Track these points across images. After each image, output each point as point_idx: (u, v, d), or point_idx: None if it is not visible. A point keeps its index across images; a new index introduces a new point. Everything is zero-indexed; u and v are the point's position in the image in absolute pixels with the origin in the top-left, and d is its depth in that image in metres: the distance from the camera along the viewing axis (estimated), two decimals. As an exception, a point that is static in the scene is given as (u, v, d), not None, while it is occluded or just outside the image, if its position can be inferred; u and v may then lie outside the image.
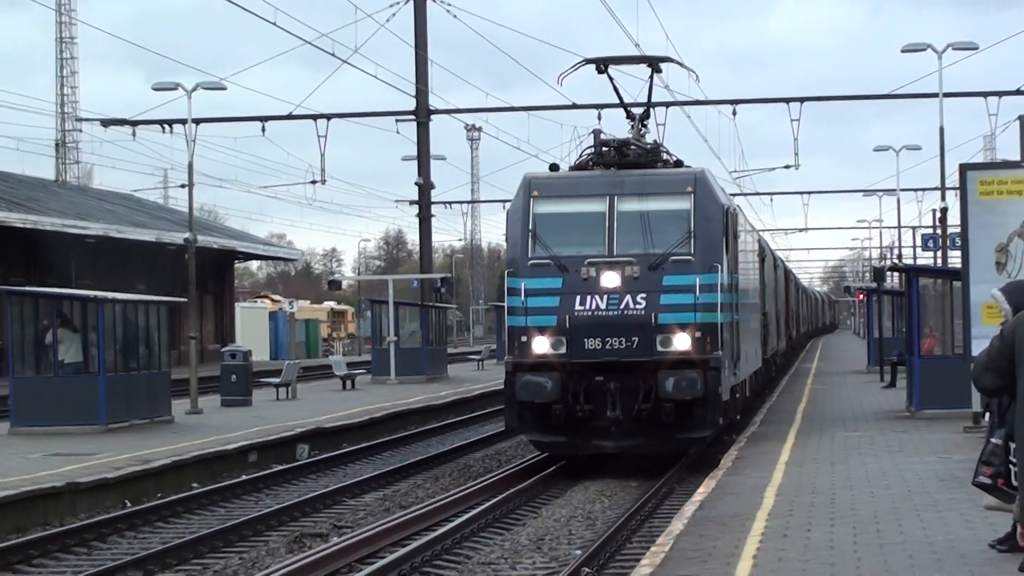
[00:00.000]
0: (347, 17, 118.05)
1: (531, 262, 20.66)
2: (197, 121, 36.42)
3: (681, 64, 25.73)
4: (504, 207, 20.59)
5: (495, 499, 18.61)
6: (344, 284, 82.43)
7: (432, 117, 47.51)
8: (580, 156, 22.10)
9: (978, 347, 19.15)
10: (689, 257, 20.57)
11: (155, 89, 34.47)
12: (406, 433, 29.75)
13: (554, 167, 22.10)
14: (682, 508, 15.20)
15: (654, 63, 23.94)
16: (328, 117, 45.23)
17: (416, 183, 48.20)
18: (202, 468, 22.00)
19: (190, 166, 33.76)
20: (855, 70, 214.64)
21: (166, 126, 44.29)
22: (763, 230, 61.90)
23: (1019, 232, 19.93)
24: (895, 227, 78.89)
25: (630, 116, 23.67)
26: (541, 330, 20.44)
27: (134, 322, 26.76)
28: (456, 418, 33.72)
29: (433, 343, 45.50)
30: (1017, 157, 41.80)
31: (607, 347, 20.29)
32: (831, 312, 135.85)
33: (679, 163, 22.21)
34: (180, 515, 18.75)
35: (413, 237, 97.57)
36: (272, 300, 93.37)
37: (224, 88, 34.64)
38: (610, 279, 20.35)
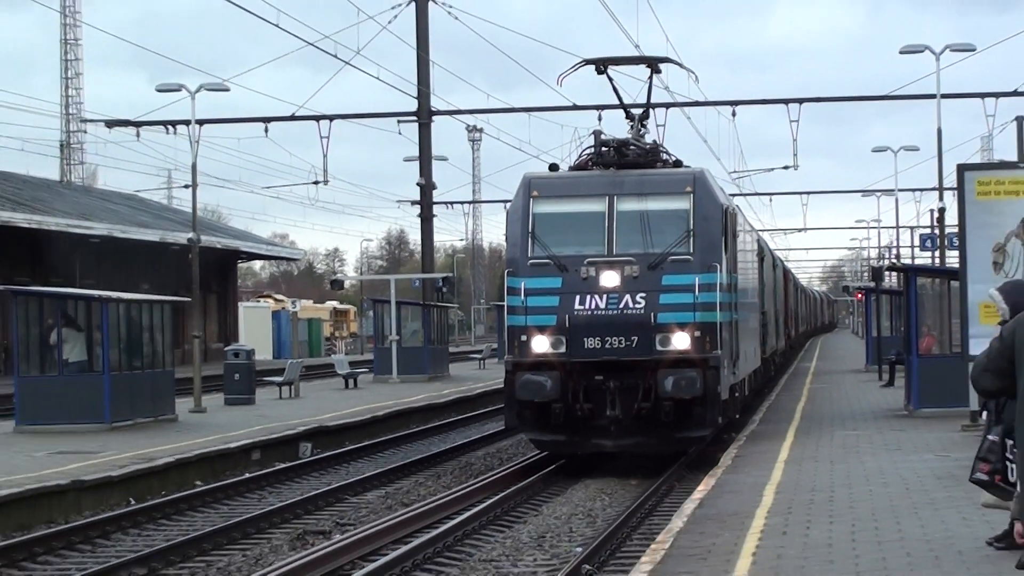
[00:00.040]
0: (349, 19, 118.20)
1: (531, 262, 20.65)
2: (201, 122, 36.50)
3: (680, 65, 25.76)
4: (505, 207, 20.62)
5: (496, 497, 18.64)
6: (346, 284, 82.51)
7: (434, 118, 47.57)
8: (579, 156, 22.10)
9: (976, 346, 19.24)
10: (688, 257, 20.57)
11: (159, 90, 34.53)
12: (408, 431, 29.80)
13: (553, 167, 22.10)
14: (682, 506, 15.22)
15: (653, 63, 23.92)
16: (330, 118, 45.29)
17: (418, 183, 48.27)
18: (205, 466, 22.05)
19: (193, 167, 33.85)
20: (854, 71, 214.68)
21: (170, 127, 44.39)
22: (762, 230, 61.97)
23: (1016, 232, 19.97)
24: (893, 227, 78.82)
25: (629, 116, 23.68)
26: (541, 329, 20.43)
27: (138, 321, 26.81)
28: (457, 416, 33.74)
29: (435, 342, 45.55)
30: (1014, 158, 41.93)
31: (606, 346, 20.29)
32: (830, 311, 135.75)
33: (678, 163, 22.20)
34: (184, 513, 18.79)
35: (415, 237, 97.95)
36: (275, 299, 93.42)
37: (227, 89, 34.68)
38: (609, 279, 20.35)
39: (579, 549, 15.01)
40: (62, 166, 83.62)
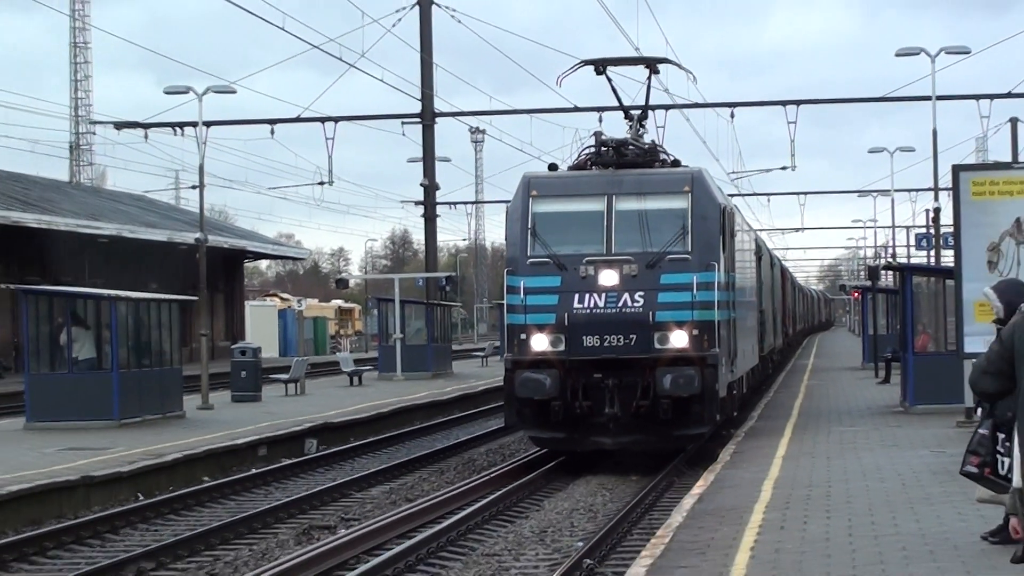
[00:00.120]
0: (354, 22, 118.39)
1: (530, 261, 20.63)
2: (208, 124, 36.68)
3: (679, 65, 25.73)
4: (507, 207, 20.68)
5: (499, 492, 18.71)
6: (351, 283, 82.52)
7: (437, 120, 47.66)
8: (579, 156, 22.08)
9: (971, 344, 19.44)
10: (686, 256, 20.55)
11: (167, 93, 34.73)
12: (412, 428, 29.91)
13: (553, 167, 22.05)
14: (681, 501, 15.29)
15: (651, 64, 23.80)
16: (335, 120, 45.40)
17: (421, 184, 48.38)
18: (213, 462, 22.18)
19: (201, 168, 34.03)
20: (851, 74, 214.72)
21: (178, 129, 44.50)
22: (760, 230, 62.08)
23: (1010, 232, 20.03)
24: (889, 227, 78.97)
25: (628, 117, 23.65)
26: (540, 328, 20.39)
27: (146, 320, 26.92)
28: (460, 413, 33.86)
29: (438, 340, 45.63)
30: (1008, 158, 42.19)
31: (605, 344, 20.26)
32: (827, 310, 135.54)
33: (676, 163, 22.19)
34: (191, 508, 18.91)
35: (419, 237, 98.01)
36: (281, 298, 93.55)
37: (234, 92, 34.77)
38: (608, 277, 20.33)
39: (580, 544, 15.07)
40: (71, 167, 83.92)
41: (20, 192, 55.59)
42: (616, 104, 24.34)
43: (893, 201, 68.90)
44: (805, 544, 11.60)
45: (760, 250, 33.30)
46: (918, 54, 36.90)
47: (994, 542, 10.87)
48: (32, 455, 21.06)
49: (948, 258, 33.41)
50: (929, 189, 43.46)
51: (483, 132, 65.71)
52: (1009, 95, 42.65)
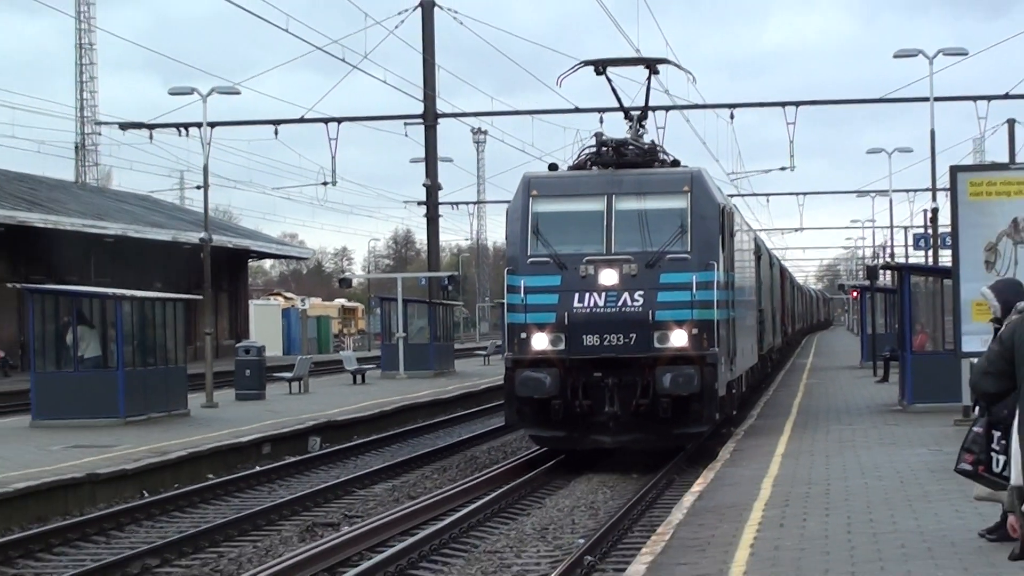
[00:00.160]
0: (357, 24, 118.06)
1: (530, 260, 20.64)
2: (212, 124, 36.74)
3: (678, 66, 25.75)
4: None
5: (500, 490, 18.79)
6: (354, 282, 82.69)
7: (439, 121, 47.75)
8: (579, 156, 22.10)
9: (968, 343, 19.51)
10: (686, 255, 20.57)
11: (172, 93, 34.88)
12: (414, 426, 29.97)
13: (553, 167, 22.06)
14: (682, 499, 15.34)
15: (651, 64, 23.79)
16: (339, 120, 45.50)
17: (424, 184, 48.50)
18: (217, 460, 22.27)
19: (205, 168, 34.18)
20: (849, 75, 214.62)
21: (182, 129, 44.62)
22: (760, 230, 62.17)
23: (1007, 232, 20.08)
24: (888, 227, 79.06)
25: (628, 117, 23.68)
26: (540, 327, 20.40)
27: (151, 319, 27.03)
28: (463, 411, 33.95)
29: (440, 339, 45.71)
30: (1006, 159, 42.33)
31: (605, 343, 20.28)
32: (826, 309, 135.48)
33: (676, 163, 22.20)
34: (196, 505, 19.00)
35: (421, 237, 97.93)
36: (285, 297, 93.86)
37: (238, 93, 34.91)
38: (608, 277, 20.35)
39: (582, 540, 15.12)
40: (77, 167, 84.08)
41: (26, 192, 55.83)
42: (616, 105, 24.38)
43: (891, 201, 69.14)
44: (804, 541, 11.64)
45: (759, 250, 33.31)
46: (916, 55, 37.03)
47: (992, 539, 10.93)
48: (38, 453, 21.18)
49: (946, 258, 33.50)
50: (927, 189, 43.64)
51: (485, 133, 65.93)
52: (1007, 96, 42.79)
